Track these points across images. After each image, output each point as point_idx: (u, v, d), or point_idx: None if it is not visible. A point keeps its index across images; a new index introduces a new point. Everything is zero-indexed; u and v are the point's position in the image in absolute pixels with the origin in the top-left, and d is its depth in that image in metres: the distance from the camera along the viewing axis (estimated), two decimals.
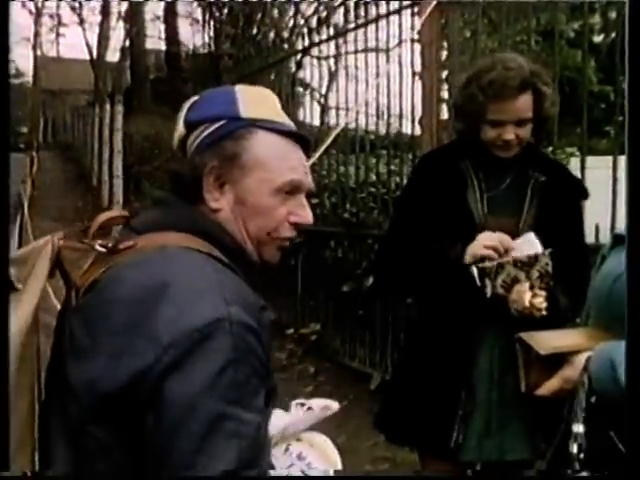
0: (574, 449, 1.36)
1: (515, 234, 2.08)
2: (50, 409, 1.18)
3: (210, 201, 1.25)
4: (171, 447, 1.04)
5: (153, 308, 1.08)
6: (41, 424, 1.20)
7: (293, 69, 7.86)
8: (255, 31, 9.73)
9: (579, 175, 3.58)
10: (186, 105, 1.31)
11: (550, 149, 3.92)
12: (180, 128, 1.29)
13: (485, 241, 2.04)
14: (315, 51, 6.48)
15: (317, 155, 4.59)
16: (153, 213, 1.30)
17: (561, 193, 2.19)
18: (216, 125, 1.25)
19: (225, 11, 10.10)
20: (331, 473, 1.39)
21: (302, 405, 1.48)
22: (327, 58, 6.64)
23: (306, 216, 1.30)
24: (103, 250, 1.19)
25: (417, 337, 2.33)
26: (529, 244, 2.02)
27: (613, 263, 1.56)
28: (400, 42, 4.91)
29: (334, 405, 1.50)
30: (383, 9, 5.00)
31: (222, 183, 1.25)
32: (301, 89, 8.79)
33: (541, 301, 1.94)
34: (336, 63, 6.72)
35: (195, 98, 1.32)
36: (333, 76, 6.67)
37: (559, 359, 1.55)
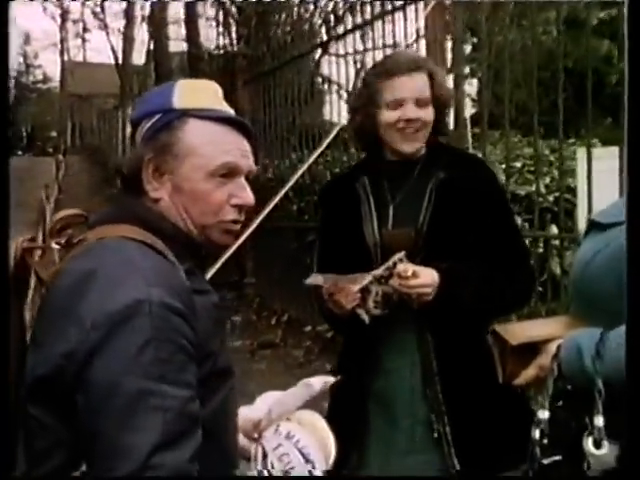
0: (536, 435, 1.37)
1: (415, 241, 1.97)
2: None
3: (150, 192, 1.30)
4: (98, 426, 1.10)
5: (80, 294, 1.15)
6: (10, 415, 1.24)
7: (312, 67, 7.87)
8: (271, 31, 9.74)
9: (585, 166, 3.55)
10: (133, 104, 1.37)
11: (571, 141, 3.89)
12: (129, 127, 1.36)
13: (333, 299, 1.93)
14: (333, 49, 6.50)
15: (319, 151, 4.58)
16: (105, 209, 1.37)
17: (465, 188, 2.02)
18: (153, 119, 1.31)
19: (238, 10, 10.11)
20: (319, 450, 1.39)
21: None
22: (345, 55, 6.64)
23: (246, 197, 1.33)
24: (57, 247, 1.27)
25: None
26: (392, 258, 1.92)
27: (584, 249, 1.54)
28: (416, 38, 4.90)
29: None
30: (396, 5, 5.02)
31: (161, 173, 1.30)
32: (321, 87, 8.78)
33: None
34: (356, 61, 6.72)
35: (140, 97, 1.38)
36: (357, 74, 6.65)
37: (535, 348, 1.54)
